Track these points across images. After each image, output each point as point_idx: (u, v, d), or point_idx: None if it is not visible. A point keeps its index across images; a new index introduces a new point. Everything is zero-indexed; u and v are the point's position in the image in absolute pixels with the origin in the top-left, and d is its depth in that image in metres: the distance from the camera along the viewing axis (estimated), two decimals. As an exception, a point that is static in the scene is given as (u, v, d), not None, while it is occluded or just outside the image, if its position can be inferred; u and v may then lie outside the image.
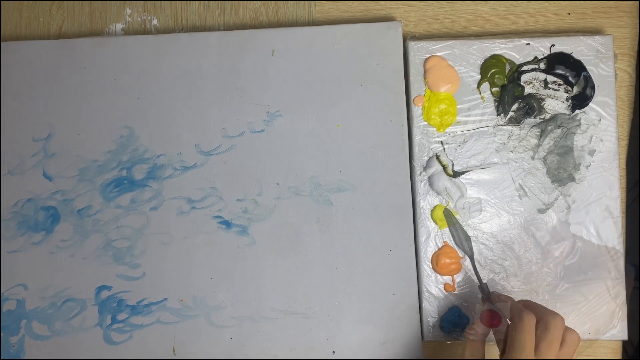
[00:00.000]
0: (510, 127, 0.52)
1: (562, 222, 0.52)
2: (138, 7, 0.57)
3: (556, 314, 0.43)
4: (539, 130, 0.52)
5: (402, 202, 0.52)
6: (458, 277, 0.51)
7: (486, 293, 0.49)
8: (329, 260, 0.52)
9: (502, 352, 0.46)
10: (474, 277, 0.51)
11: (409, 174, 0.52)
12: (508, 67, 0.53)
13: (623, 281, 0.51)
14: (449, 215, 0.51)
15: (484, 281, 0.50)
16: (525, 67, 0.53)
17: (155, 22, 0.57)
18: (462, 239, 0.51)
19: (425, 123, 0.52)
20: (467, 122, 0.52)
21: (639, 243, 0.63)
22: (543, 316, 0.43)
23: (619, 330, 0.51)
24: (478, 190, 0.52)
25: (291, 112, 0.53)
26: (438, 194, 0.52)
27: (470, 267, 0.51)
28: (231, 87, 0.53)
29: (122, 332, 0.52)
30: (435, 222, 0.52)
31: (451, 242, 0.51)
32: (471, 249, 0.51)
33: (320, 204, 0.52)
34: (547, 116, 0.52)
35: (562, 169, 0.52)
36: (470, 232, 0.51)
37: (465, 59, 0.53)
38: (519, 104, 0.53)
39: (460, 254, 0.51)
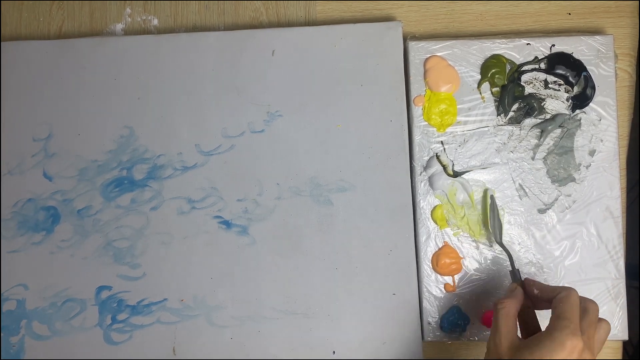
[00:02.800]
0: (510, 127, 0.52)
1: (562, 222, 0.52)
2: (138, 7, 0.57)
3: (593, 300, 0.43)
4: (539, 130, 0.52)
5: (402, 202, 0.52)
6: (458, 277, 0.51)
7: (518, 279, 0.48)
8: (329, 260, 0.52)
9: (526, 333, 0.46)
10: (507, 263, 0.51)
11: (409, 174, 0.52)
12: (508, 67, 0.53)
13: (623, 281, 0.51)
14: (493, 200, 0.51)
15: (517, 267, 0.49)
16: (525, 67, 0.53)
17: (155, 22, 0.57)
18: (496, 226, 0.51)
19: (426, 123, 0.52)
20: (467, 122, 0.52)
21: (639, 243, 0.63)
22: (582, 301, 0.43)
23: (619, 330, 0.51)
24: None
25: (291, 112, 0.53)
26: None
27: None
28: (231, 87, 0.53)
29: (122, 332, 0.52)
30: (435, 222, 0.52)
31: (451, 242, 0.51)
32: (501, 236, 0.51)
33: (321, 204, 0.52)
34: (548, 116, 0.52)
35: (563, 169, 0.52)
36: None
37: (465, 59, 0.53)
38: (519, 104, 0.53)
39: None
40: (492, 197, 0.51)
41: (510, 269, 0.49)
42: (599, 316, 0.43)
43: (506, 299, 0.45)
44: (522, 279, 0.48)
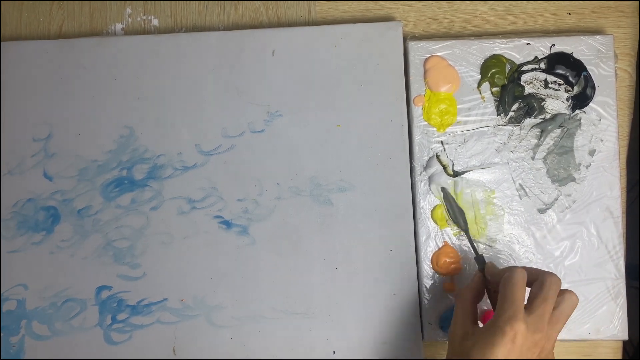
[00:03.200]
0: (510, 127, 0.52)
1: (562, 222, 0.52)
2: (138, 7, 0.57)
3: (553, 273, 0.42)
4: (539, 130, 0.52)
5: (402, 202, 0.52)
6: (458, 277, 0.51)
7: (482, 265, 0.49)
8: (329, 260, 0.52)
9: None
10: (470, 250, 0.51)
11: (409, 174, 0.52)
12: (508, 67, 0.53)
13: (623, 281, 0.51)
14: (445, 191, 0.51)
15: (480, 253, 0.50)
16: (525, 67, 0.53)
17: (155, 22, 0.57)
18: (457, 213, 0.51)
19: (426, 123, 0.52)
20: (467, 122, 0.52)
21: (639, 243, 0.63)
22: (539, 276, 0.42)
23: (619, 330, 0.51)
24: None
25: (291, 112, 0.53)
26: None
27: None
28: (231, 87, 0.53)
29: (122, 332, 0.52)
30: (435, 222, 0.52)
31: (451, 242, 0.51)
32: (465, 223, 0.51)
33: (320, 204, 0.52)
34: (548, 116, 0.52)
35: (563, 169, 0.52)
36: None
37: (465, 59, 0.53)
38: (519, 104, 0.53)
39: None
40: (442, 188, 0.51)
41: (475, 255, 0.50)
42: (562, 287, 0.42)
43: (464, 286, 0.46)
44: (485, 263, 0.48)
